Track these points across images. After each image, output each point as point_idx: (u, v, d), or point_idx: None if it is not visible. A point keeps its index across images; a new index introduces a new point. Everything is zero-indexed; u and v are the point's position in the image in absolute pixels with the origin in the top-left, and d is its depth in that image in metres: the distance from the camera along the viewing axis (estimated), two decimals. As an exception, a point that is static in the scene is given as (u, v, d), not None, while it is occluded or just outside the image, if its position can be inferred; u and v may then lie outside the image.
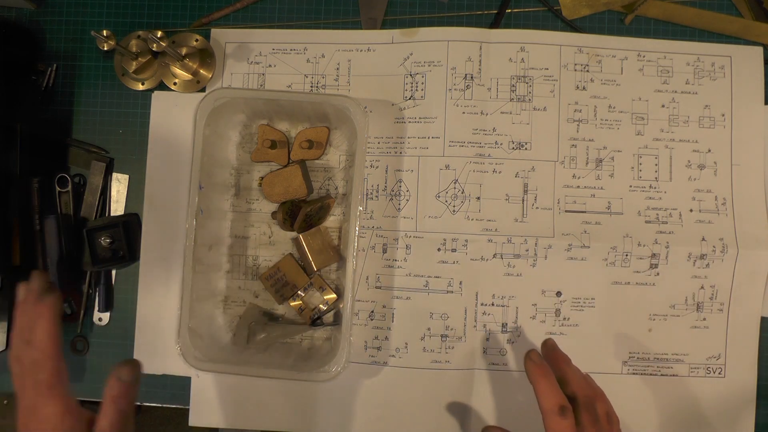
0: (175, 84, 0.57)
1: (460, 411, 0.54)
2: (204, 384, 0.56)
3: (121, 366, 0.37)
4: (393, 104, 0.56)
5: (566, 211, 0.55)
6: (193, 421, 0.56)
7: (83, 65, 0.59)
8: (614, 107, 0.56)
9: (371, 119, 0.56)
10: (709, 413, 0.55)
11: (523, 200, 0.55)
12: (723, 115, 0.56)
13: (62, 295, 0.39)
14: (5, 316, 0.54)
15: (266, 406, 0.55)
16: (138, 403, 0.58)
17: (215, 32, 0.57)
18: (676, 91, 0.56)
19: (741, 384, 0.55)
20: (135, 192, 0.58)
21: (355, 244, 0.49)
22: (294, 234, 0.55)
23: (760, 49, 0.56)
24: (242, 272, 0.57)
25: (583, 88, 0.56)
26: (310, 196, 0.56)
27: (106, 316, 0.57)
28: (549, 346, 0.47)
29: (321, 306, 0.56)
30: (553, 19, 0.57)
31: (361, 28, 0.57)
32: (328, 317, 0.57)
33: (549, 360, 0.46)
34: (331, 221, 0.56)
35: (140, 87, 0.57)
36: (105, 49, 0.50)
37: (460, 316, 0.55)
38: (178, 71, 0.55)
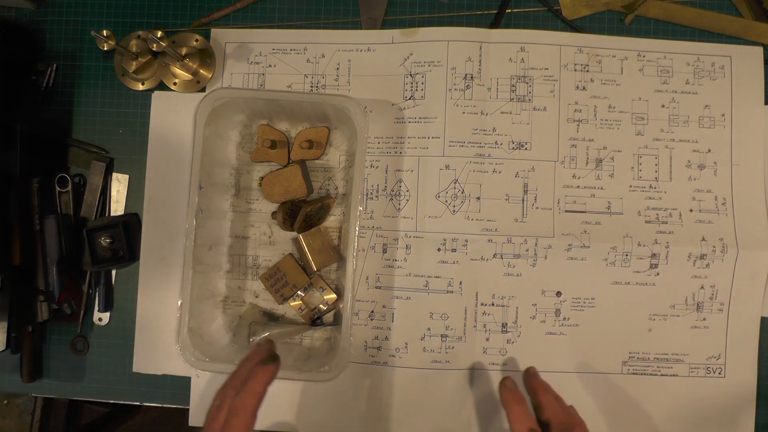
0: (175, 84, 0.57)
1: (460, 411, 0.54)
2: (204, 384, 0.56)
3: (262, 357, 0.43)
4: (393, 104, 0.56)
5: (566, 211, 0.55)
6: (193, 421, 0.56)
7: (83, 65, 0.59)
8: (614, 107, 0.56)
9: (371, 119, 0.56)
10: (709, 413, 0.55)
11: (523, 200, 0.55)
12: (723, 115, 0.56)
13: (277, 369, 0.44)
14: (5, 316, 0.54)
15: (266, 406, 0.55)
16: (138, 403, 0.58)
17: (215, 32, 0.57)
18: (676, 91, 0.56)
19: (741, 384, 0.55)
20: (135, 192, 0.58)
21: (355, 244, 0.49)
22: (294, 234, 0.55)
23: (760, 49, 0.56)
24: (242, 272, 0.57)
25: (583, 88, 0.56)
26: (310, 196, 0.56)
27: (106, 316, 0.57)
28: (530, 373, 0.51)
29: (321, 306, 0.56)
30: (553, 19, 0.57)
31: (361, 28, 0.57)
32: (328, 317, 0.57)
33: (528, 387, 0.48)
34: (331, 221, 0.56)
35: (140, 87, 0.57)
36: (105, 49, 0.50)
37: (460, 316, 0.55)
38: (178, 71, 0.55)
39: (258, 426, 0.55)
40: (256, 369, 0.42)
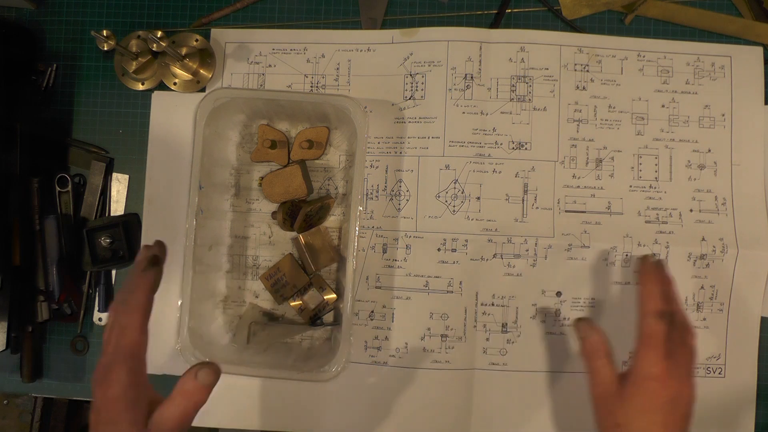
0: (175, 84, 0.57)
1: (460, 411, 0.54)
2: (204, 384, 0.56)
3: (201, 366, 0.38)
4: (393, 104, 0.56)
5: (566, 211, 0.55)
6: (193, 421, 0.56)
7: (83, 65, 0.59)
8: (614, 107, 0.56)
9: (371, 119, 0.56)
10: (709, 413, 0.55)
11: (523, 200, 0.55)
12: (723, 115, 0.56)
13: (158, 274, 0.41)
14: (5, 316, 0.54)
15: (266, 406, 0.55)
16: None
17: (215, 32, 0.57)
18: (676, 91, 0.56)
19: (741, 384, 0.55)
20: (135, 192, 0.58)
21: (355, 244, 0.49)
22: (294, 234, 0.55)
23: (760, 49, 0.56)
24: (242, 272, 0.57)
25: (583, 88, 0.56)
26: (310, 196, 0.56)
27: (106, 316, 0.57)
28: (661, 264, 0.47)
29: (321, 306, 0.56)
30: (553, 19, 0.57)
31: (361, 28, 0.57)
32: (328, 317, 0.57)
33: (658, 276, 0.45)
34: (331, 221, 0.56)
35: (140, 87, 0.57)
36: (105, 49, 0.50)
37: (460, 316, 0.55)
38: (178, 71, 0.55)
39: (258, 426, 0.56)
40: (137, 279, 0.40)
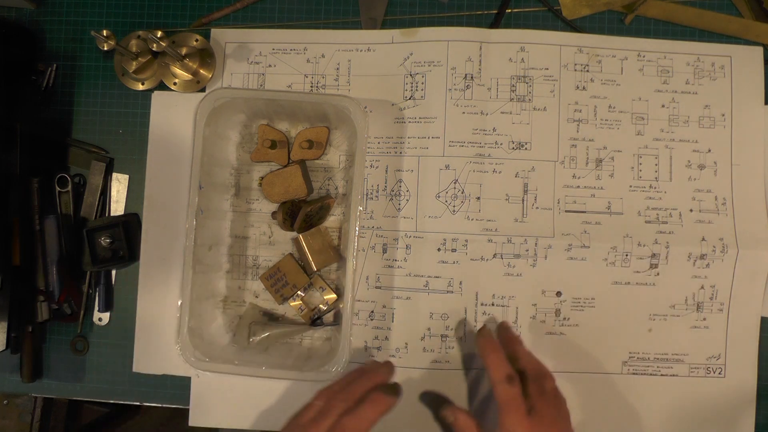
0: (175, 84, 0.57)
1: (460, 411, 0.54)
2: (204, 384, 0.56)
3: (394, 385, 0.44)
4: (393, 104, 0.56)
5: (566, 211, 0.55)
6: (193, 421, 0.56)
7: (83, 65, 0.59)
8: (614, 107, 0.56)
9: (371, 119, 0.56)
10: (709, 413, 0.55)
11: (523, 200, 0.55)
12: (723, 115, 0.56)
13: (396, 401, 0.44)
14: (5, 316, 0.54)
15: (266, 406, 0.55)
16: (138, 403, 0.58)
17: (215, 32, 0.57)
18: (676, 91, 0.56)
19: (741, 384, 0.55)
20: (135, 192, 0.58)
21: (355, 244, 0.49)
22: (294, 234, 0.55)
23: (760, 49, 0.56)
24: (242, 272, 0.57)
25: (583, 88, 0.56)
26: (310, 196, 0.56)
27: (106, 316, 0.57)
28: (504, 326, 0.52)
29: (321, 306, 0.56)
30: (553, 19, 0.57)
31: (361, 28, 0.57)
32: (328, 317, 0.57)
33: (502, 339, 0.50)
34: (331, 221, 0.56)
35: (140, 87, 0.57)
36: (105, 49, 0.50)
37: (460, 316, 0.55)
38: (178, 71, 0.55)
39: (258, 426, 0.56)
40: (376, 395, 0.42)
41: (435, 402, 0.54)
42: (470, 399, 0.54)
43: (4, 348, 0.54)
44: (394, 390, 0.44)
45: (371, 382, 0.44)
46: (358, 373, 0.45)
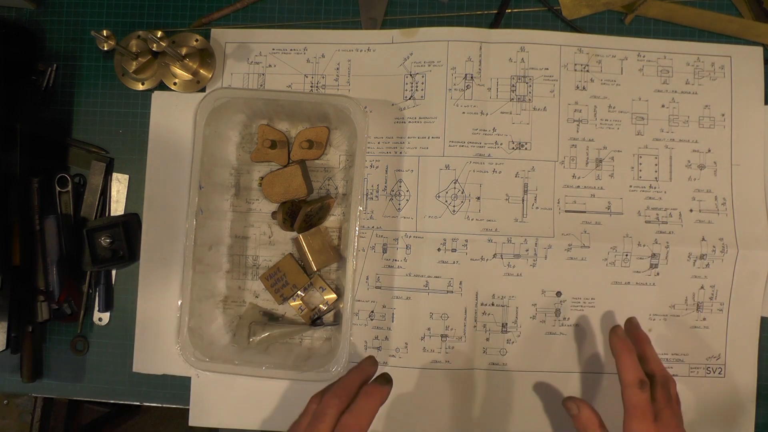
0: (175, 84, 0.57)
1: (460, 411, 0.54)
2: (204, 384, 0.56)
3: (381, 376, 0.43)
4: (393, 104, 0.56)
5: (566, 211, 0.55)
6: (193, 421, 0.56)
7: (83, 65, 0.59)
8: (614, 107, 0.56)
9: (371, 119, 0.56)
10: (709, 413, 0.55)
11: (523, 200, 0.55)
12: (723, 115, 0.56)
13: (388, 392, 0.43)
14: (5, 316, 0.54)
15: (266, 406, 0.55)
16: (138, 403, 0.58)
17: (215, 32, 0.57)
18: (676, 91, 0.56)
19: (741, 384, 0.55)
20: (135, 192, 0.58)
21: (355, 244, 0.49)
22: (294, 234, 0.55)
23: (760, 49, 0.56)
24: (242, 272, 0.57)
25: (583, 88, 0.56)
26: (310, 196, 0.56)
27: (106, 316, 0.57)
28: (633, 324, 0.50)
29: (321, 306, 0.56)
30: (553, 19, 0.57)
31: (361, 28, 0.57)
32: (328, 317, 0.57)
33: (631, 337, 0.48)
34: (331, 221, 0.56)
35: (140, 87, 0.57)
36: (105, 49, 0.50)
37: (460, 316, 0.55)
38: (178, 71, 0.55)
39: (258, 426, 0.56)
40: (370, 388, 0.42)
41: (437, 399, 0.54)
42: (470, 399, 0.54)
43: (4, 348, 0.54)
44: (386, 380, 0.43)
45: (360, 377, 0.44)
46: (346, 374, 0.45)
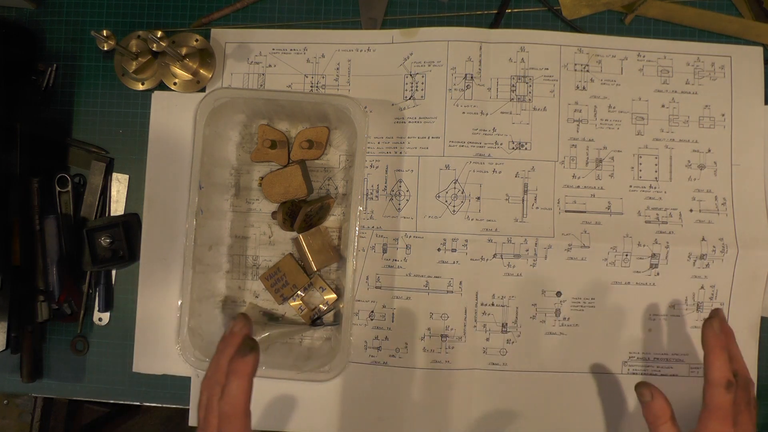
0: (175, 84, 0.57)
1: (461, 411, 0.54)
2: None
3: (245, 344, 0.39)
4: (393, 104, 0.56)
5: (566, 211, 0.55)
6: (193, 420, 0.56)
7: (83, 65, 0.59)
8: (614, 107, 0.56)
9: (371, 119, 0.56)
10: (709, 413, 0.55)
11: (523, 200, 0.55)
12: (723, 115, 0.56)
13: (257, 358, 0.40)
14: (5, 316, 0.54)
15: (266, 406, 0.55)
16: (138, 403, 0.58)
17: (215, 32, 0.57)
18: (676, 91, 0.56)
19: (741, 384, 0.55)
20: (135, 192, 0.58)
21: (355, 244, 0.49)
22: (294, 234, 0.55)
23: (760, 49, 0.56)
24: (242, 272, 0.57)
25: (583, 88, 0.56)
26: (310, 196, 0.56)
27: (106, 316, 0.57)
28: (721, 317, 0.47)
29: (321, 306, 0.56)
30: (553, 19, 0.57)
31: (361, 28, 0.57)
32: (328, 317, 0.57)
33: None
34: (331, 221, 0.56)
35: (140, 87, 0.57)
36: (105, 49, 0.50)
37: (460, 316, 0.55)
38: (178, 71, 0.55)
39: (257, 426, 0.56)
40: (235, 365, 0.39)
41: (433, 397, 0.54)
42: (470, 399, 0.54)
43: (4, 348, 0.54)
44: (248, 347, 0.39)
45: (231, 348, 0.41)
46: (222, 344, 0.42)
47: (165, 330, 0.56)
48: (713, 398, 0.42)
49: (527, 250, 0.55)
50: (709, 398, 0.42)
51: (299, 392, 0.55)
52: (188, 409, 0.56)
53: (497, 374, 0.54)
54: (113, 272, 0.58)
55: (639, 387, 0.45)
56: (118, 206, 0.58)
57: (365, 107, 0.53)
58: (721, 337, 0.43)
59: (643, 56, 0.56)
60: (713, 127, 0.56)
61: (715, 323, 0.44)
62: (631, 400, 0.55)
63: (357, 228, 0.49)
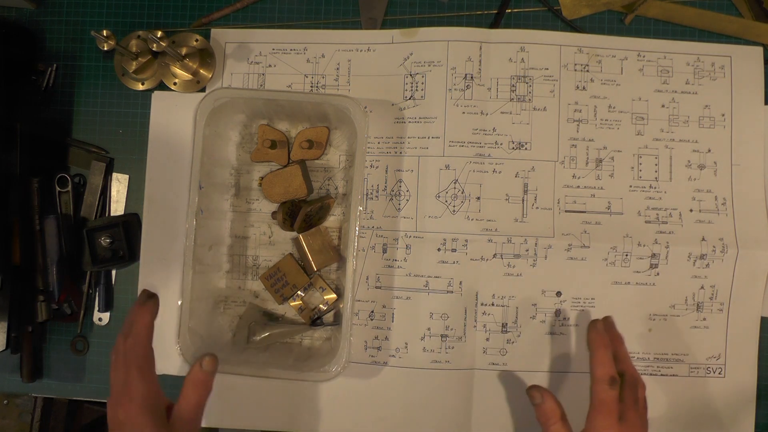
0: (175, 84, 0.57)
1: (460, 411, 0.54)
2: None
3: (203, 356, 0.43)
4: (393, 104, 0.56)
5: (566, 211, 0.55)
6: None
7: (83, 65, 0.59)
8: (614, 107, 0.56)
9: (371, 119, 0.56)
10: (709, 413, 0.55)
11: (523, 200, 0.55)
12: (723, 115, 0.56)
13: (156, 304, 0.45)
14: (5, 316, 0.54)
15: (266, 406, 0.55)
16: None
17: (215, 32, 0.57)
18: (676, 91, 0.56)
19: (741, 384, 0.55)
20: (135, 192, 0.58)
21: (355, 244, 0.49)
22: (294, 234, 0.55)
23: (760, 49, 0.56)
24: (242, 272, 0.57)
25: (583, 88, 0.56)
26: (310, 196, 0.56)
27: (106, 316, 0.57)
28: (609, 323, 0.50)
29: (321, 306, 0.56)
30: (553, 19, 0.57)
31: (361, 28, 0.57)
32: (328, 317, 0.57)
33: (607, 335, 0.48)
34: (331, 221, 0.56)
35: (140, 87, 0.57)
36: (105, 49, 0.50)
37: (460, 316, 0.55)
38: (178, 71, 0.55)
39: (258, 426, 0.56)
40: (137, 309, 0.43)
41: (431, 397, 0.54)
42: (470, 399, 0.54)
43: (4, 348, 0.54)
44: (149, 296, 0.45)
45: (134, 307, 0.44)
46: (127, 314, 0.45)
47: (165, 330, 0.56)
48: (598, 394, 0.43)
49: (527, 250, 0.55)
50: (594, 394, 0.44)
51: (299, 392, 0.55)
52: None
53: (497, 374, 0.54)
54: (113, 272, 0.58)
55: (530, 390, 0.46)
56: (118, 206, 0.58)
57: (365, 107, 0.53)
58: (605, 336, 0.46)
59: (643, 56, 0.56)
60: (713, 127, 0.56)
61: (599, 324, 0.47)
62: (631, 400, 0.55)
63: (357, 228, 0.49)
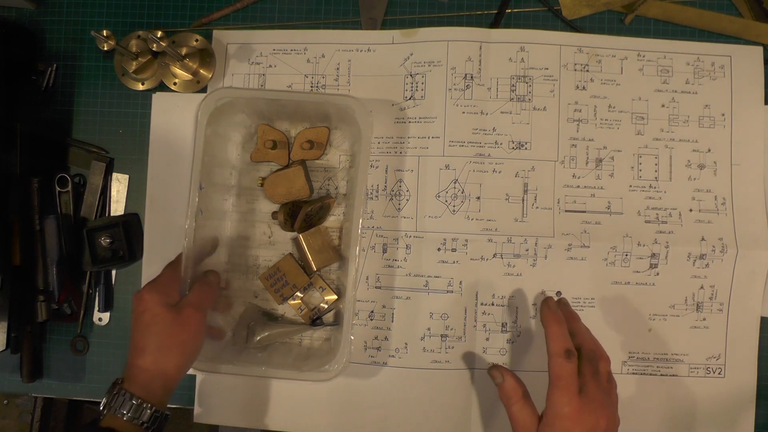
0: (175, 84, 0.57)
1: (460, 411, 0.54)
2: (208, 382, 0.56)
3: (206, 273, 0.50)
4: (393, 104, 0.56)
5: (566, 211, 0.55)
6: (198, 418, 0.56)
7: (83, 65, 0.59)
8: (614, 107, 0.56)
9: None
10: (709, 413, 0.55)
11: (523, 200, 0.55)
12: (723, 115, 0.56)
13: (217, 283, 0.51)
14: (5, 316, 0.54)
15: (266, 406, 0.55)
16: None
17: (217, 33, 0.57)
18: (676, 91, 0.56)
19: (741, 384, 0.55)
20: (135, 192, 0.58)
21: (358, 244, 0.49)
22: (294, 234, 0.55)
23: (760, 49, 0.56)
24: (242, 272, 0.57)
25: (583, 87, 0.56)
26: (311, 196, 0.56)
27: (106, 316, 0.57)
28: (563, 302, 0.51)
29: (321, 306, 0.56)
30: (553, 19, 0.57)
31: (361, 28, 0.57)
32: (328, 317, 0.57)
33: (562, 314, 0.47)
34: (331, 221, 0.56)
35: (140, 87, 0.57)
36: (105, 49, 0.50)
37: (460, 316, 0.55)
38: (178, 71, 0.55)
39: (258, 426, 0.56)
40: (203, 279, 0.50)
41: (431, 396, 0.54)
42: (470, 399, 0.54)
43: (4, 348, 0.54)
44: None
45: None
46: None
47: (165, 330, 0.56)
48: (554, 368, 0.43)
49: (527, 250, 0.55)
50: (550, 370, 0.43)
51: (299, 392, 0.55)
52: (189, 410, 0.56)
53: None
54: (113, 272, 0.58)
55: (490, 370, 0.46)
56: (118, 206, 0.58)
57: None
58: (557, 313, 0.45)
59: (643, 56, 0.56)
60: (713, 127, 0.56)
61: (551, 301, 0.47)
62: (632, 400, 0.55)
63: (360, 229, 0.49)
